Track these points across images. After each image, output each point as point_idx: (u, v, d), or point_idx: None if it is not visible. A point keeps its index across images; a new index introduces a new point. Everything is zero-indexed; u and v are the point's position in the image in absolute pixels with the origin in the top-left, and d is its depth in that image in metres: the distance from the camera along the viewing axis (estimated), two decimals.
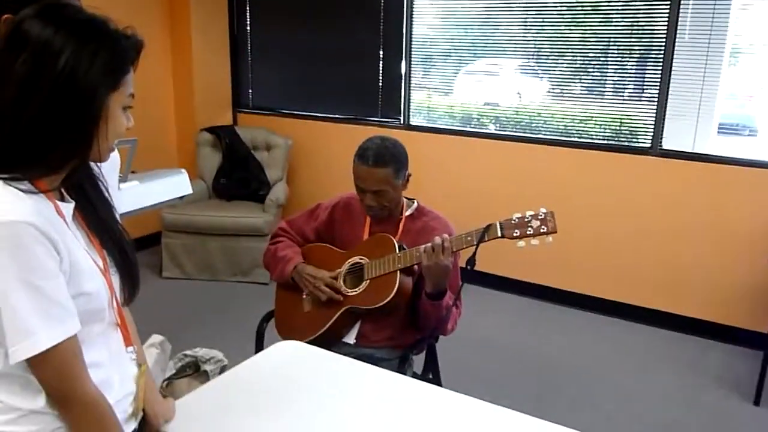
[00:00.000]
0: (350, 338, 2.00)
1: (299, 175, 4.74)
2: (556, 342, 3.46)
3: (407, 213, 2.06)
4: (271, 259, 2.14)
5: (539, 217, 1.75)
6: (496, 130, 4.04)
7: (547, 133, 3.85)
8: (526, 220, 1.76)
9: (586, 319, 3.75)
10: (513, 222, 1.77)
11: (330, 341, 1.99)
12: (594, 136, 3.72)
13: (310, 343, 1.79)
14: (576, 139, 3.77)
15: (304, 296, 2.07)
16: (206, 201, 4.41)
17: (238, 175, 4.44)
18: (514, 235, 1.76)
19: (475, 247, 1.79)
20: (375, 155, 1.89)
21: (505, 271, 4.05)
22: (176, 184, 2.23)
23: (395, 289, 1.86)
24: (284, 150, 4.48)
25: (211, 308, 3.75)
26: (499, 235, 1.77)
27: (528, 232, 1.74)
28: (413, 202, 2.10)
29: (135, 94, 1.09)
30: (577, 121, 3.77)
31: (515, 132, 3.95)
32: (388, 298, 1.86)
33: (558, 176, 3.80)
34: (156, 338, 2.07)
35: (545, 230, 1.73)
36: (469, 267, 1.81)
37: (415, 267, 1.91)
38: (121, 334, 1.21)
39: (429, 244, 1.82)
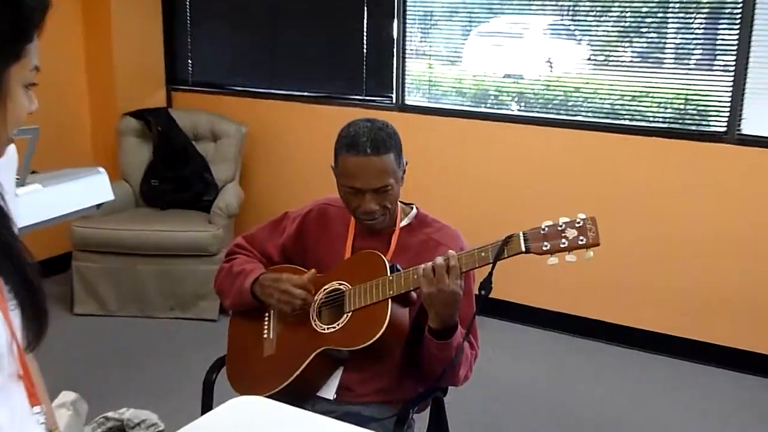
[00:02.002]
0: (329, 392, 2.00)
1: (257, 174, 4.72)
2: (597, 389, 3.48)
3: (403, 223, 2.06)
4: (225, 278, 2.15)
5: (576, 225, 1.76)
6: (519, 110, 4.04)
7: (588, 114, 3.86)
8: (559, 229, 1.77)
9: (634, 358, 3.77)
10: (542, 232, 1.78)
11: (302, 395, 1.98)
12: (650, 119, 3.74)
13: (275, 398, 1.78)
14: (626, 123, 3.78)
15: (265, 334, 2.08)
16: (132, 210, 4.38)
17: (174, 174, 4.42)
18: (543, 248, 1.76)
19: (491, 265, 1.79)
20: (373, 140, 1.91)
21: (531, 298, 4.05)
22: (92, 188, 2.22)
23: (385, 323, 1.85)
24: (237, 140, 4.46)
25: (140, 355, 3.72)
26: (523, 249, 1.78)
27: (561, 245, 1.75)
28: (411, 209, 2.11)
29: (39, 67, 1.11)
30: (628, 98, 3.78)
31: (545, 113, 3.95)
32: (376, 336, 1.85)
33: (602, 171, 3.82)
34: (67, 396, 2.05)
35: (584, 242, 1.74)
36: (483, 293, 1.81)
37: (414, 294, 1.92)
38: (26, 389, 1.20)
39: (429, 264, 1.82)
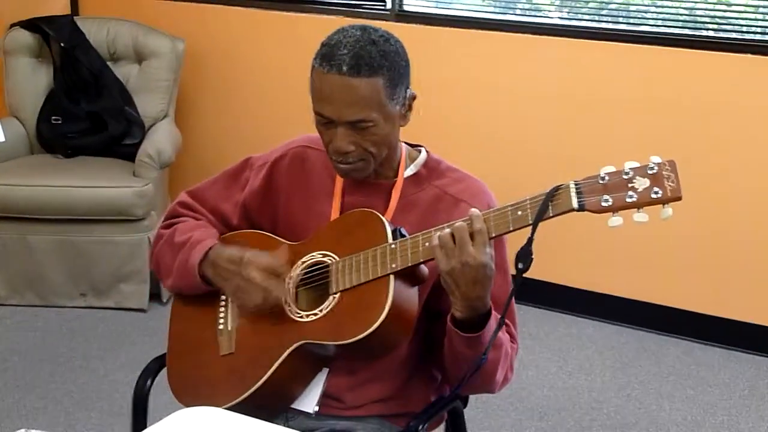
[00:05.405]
0: (309, 403, 2.01)
1: (200, 109, 4.72)
2: (683, 404, 3.49)
3: (408, 172, 2.08)
4: (164, 249, 2.16)
5: (649, 172, 1.74)
6: (562, 18, 4.04)
7: (657, 23, 3.85)
8: (625, 177, 1.75)
9: (720, 357, 3.79)
10: (601, 182, 1.77)
11: (273, 407, 1.99)
12: (743, 29, 3.72)
13: (236, 411, 1.78)
14: (709, 35, 3.76)
15: (221, 325, 2.08)
16: (25, 158, 4.37)
17: (84, 109, 4.41)
18: (603, 204, 1.75)
19: (531, 229, 1.79)
20: (355, 56, 1.89)
21: (587, 280, 4.06)
22: None
23: (386, 309, 1.85)
24: (171, 61, 4.45)
25: (42, 358, 3.72)
26: (575, 205, 1.77)
27: (629, 200, 1.74)
28: (420, 152, 2.11)
29: None
30: (712, 1, 3.76)
31: (598, 22, 3.95)
32: (374, 326, 1.84)
33: (678, 102, 3.80)
34: None
35: (660, 195, 1.72)
36: (520, 266, 1.81)
37: (424, 268, 1.92)
38: None
39: (446, 229, 1.82)
